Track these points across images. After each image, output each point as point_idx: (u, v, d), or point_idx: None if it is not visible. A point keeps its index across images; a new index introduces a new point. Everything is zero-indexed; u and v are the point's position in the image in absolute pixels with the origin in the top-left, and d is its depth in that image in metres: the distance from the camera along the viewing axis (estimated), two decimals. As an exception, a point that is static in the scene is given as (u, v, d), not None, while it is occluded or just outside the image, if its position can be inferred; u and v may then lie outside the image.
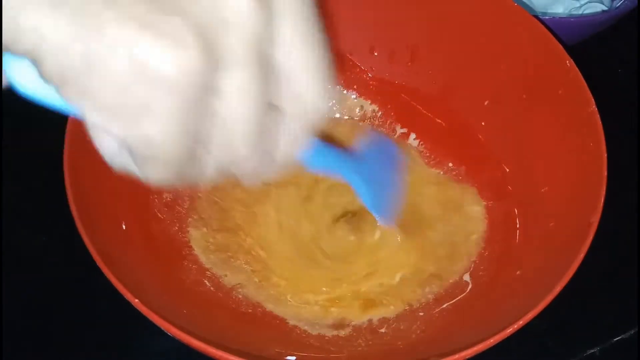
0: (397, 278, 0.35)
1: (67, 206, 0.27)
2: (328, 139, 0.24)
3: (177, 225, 0.35)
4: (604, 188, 0.29)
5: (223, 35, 0.16)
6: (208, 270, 0.34)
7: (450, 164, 0.40)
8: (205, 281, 0.34)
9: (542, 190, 0.33)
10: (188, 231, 0.35)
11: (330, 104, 0.20)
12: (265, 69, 0.17)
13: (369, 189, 0.29)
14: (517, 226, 0.34)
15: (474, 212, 0.38)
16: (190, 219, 0.36)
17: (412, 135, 0.41)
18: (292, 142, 0.20)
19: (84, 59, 0.14)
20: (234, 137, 0.18)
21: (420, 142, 0.41)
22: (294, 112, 0.19)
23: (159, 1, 0.15)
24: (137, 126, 0.16)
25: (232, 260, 0.35)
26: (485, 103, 0.38)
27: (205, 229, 0.36)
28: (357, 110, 0.42)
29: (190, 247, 0.35)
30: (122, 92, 0.15)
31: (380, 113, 0.42)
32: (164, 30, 0.15)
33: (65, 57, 0.15)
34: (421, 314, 0.34)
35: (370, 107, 0.42)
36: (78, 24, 0.14)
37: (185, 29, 0.15)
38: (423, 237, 0.37)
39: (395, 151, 0.34)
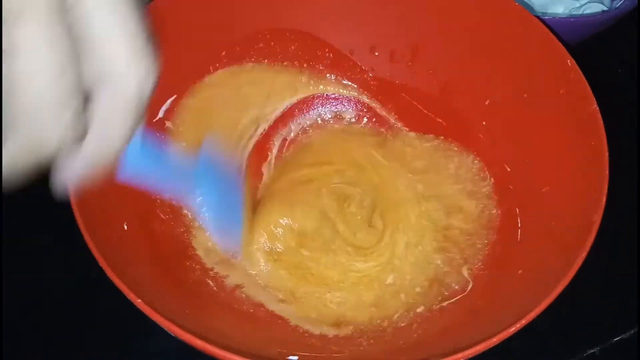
0: (398, 278, 0.35)
1: (68, 206, 0.27)
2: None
3: (180, 226, 0.35)
4: (606, 187, 0.28)
5: None
6: (211, 271, 0.34)
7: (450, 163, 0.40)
8: (208, 281, 0.34)
9: (544, 189, 0.33)
10: (191, 232, 0.35)
11: (152, 81, 0.18)
12: (67, 27, 0.16)
13: (208, 208, 0.26)
14: (519, 225, 0.34)
15: (473, 211, 0.38)
16: (194, 221, 0.36)
17: (412, 135, 0.41)
18: (110, 129, 0.18)
19: None
20: (33, 102, 0.16)
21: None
22: (109, 88, 0.17)
23: None
24: None
25: (235, 260, 0.35)
26: (486, 102, 0.38)
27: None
28: (357, 109, 0.42)
29: (193, 247, 0.35)
30: None
31: (380, 112, 0.42)
32: None
33: None
34: (423, 313, 0.34)
35: (370, 107, 0.42)
36: None
37: None
38: (423, 237, 0.37)
39: (231, 169, 0.31)
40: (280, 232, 0.35)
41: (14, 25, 0.15)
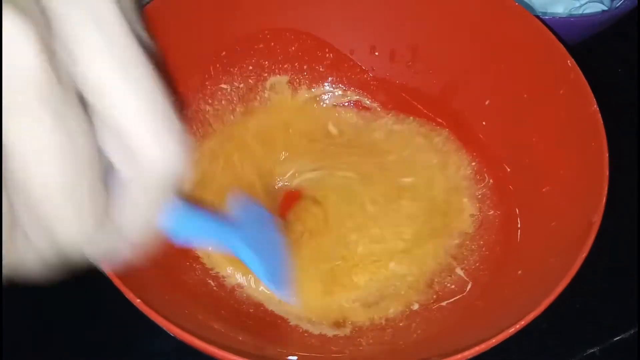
0: (398, 278, 0.35)
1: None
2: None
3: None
4: (606, 187, 0.28)
5: None
6: (211, 271, 0.34)
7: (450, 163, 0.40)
8: (208, 281, 0.34)
9: (544, 190, 0.33)
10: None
11: (183, 159, 0.15)
12: (74, 117, 0.13)
13: (257, 256, 0.26)
14: (519, 226, 0.34)
15: (472, 211, 0.38)
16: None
17: (412, 135, 0.41)
18: (141, 212, 0.16)
19: None
20: (44, 209, 0.14)
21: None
22: (133, 175, 0.15)
23: None
24: None
25: (235, 260, 0.35)
26: (486, 102, 0.38)
27: None
28: (357, 110, 0.42)
29: (193, 247, 0.35)
30: None
31: (380, 113, 0.42)
32: None
33: None
34: (422, 313, 0.34)
35: (371, 107, 0.42)
36: None
37: None
38: (422, 236, 0.37)
39: (267, 214, 0.31)
40: None
41: (9, 121, 0.13)
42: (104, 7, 0.14)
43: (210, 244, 0.25)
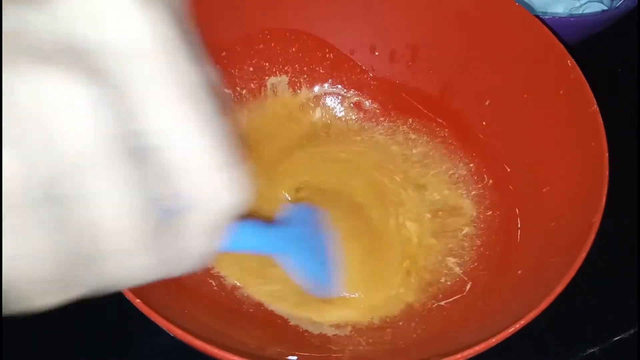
0: (398, 278, 0.35)
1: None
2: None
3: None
4: (606, 188, 0.28)
5: (62, 140, 0.13)
6: (210, 270, 0.34)
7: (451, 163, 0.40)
8: (208, 281, 0.34)
9: (544, 190, 0.33)
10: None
11: (244, 191, 0.16)
12: (142, 163, 0.14)
13: (307, 260, 0.27)
14: (518, 226, 0.34)
15: (472, 212, 0.38)
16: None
17: (412, 135, 0.41)
18: (202, 239, 0.16)
19: None
20: (121, 247, 0.15)
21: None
22: (197, 208, 0.16)
23: None
24: None
25: (235, 260, 0.35)
26: (486, 103, 0.38)
27: None
28: (357, 109, 0.42)
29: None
30: None
31: (380, 113, 0.42)
32: None
33: None
34: (422, 313, 0.34)
35: (371, 107, 0.42)
36: None
37: (11, 148, 0.12)
38: (420, 234, 0.37)
39: (316, 213, 0.32)
40: None
41: (81, 176, 0.13)
42: (164, 68, 0.15)
43: (258, 251, 0.26)
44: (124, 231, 0.14)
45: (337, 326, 0.33)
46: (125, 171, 0.14)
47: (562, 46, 0.33)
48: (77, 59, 0.13)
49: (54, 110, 0.13)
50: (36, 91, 0.13)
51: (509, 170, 0.37)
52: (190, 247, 0.17)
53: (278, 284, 0.35)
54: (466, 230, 0.37)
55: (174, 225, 0.16)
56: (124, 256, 0.15)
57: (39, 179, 0.13)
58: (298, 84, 0.42)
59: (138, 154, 0.14)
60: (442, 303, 0.34)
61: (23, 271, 0.14)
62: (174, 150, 0.15)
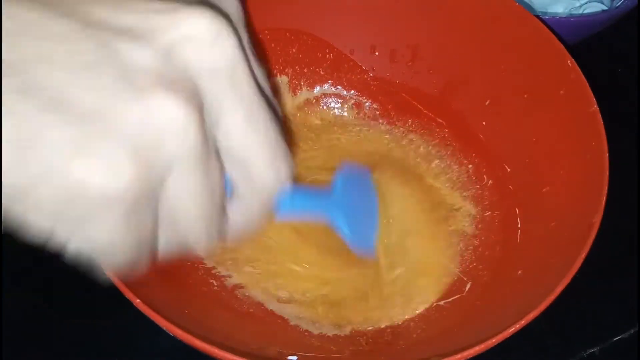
0: (396, 278, 0.35)
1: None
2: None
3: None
4: (606, 188, 0.28)
5: (160, 147, 0.16)
6: (211, 270, 0.34)
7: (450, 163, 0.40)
8: (209, 281, 0.34)
9: (544, 190, 0.33)
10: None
11: (290, 177, 0.21)
12: (213, 164, 0.18)
13: (349, 221, 0.29)
14: (519, 226, 0.34)
15: (472, 212, 0.38)
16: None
17: (412, 135, 0.41)
18: (253, 215, 0.21)
19: (29, 180, 0.15)
20: (188, 231, 0.19)
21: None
22: (252, 193, 0.20)
23: (92, 123, 0.15)
24: (81, 231, 0.17)
25: (236, 260, 0.35)
26: (486, 103, 0.38)
27: None
28: (358, 109, 0.42)
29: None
30: (65, 205, 0.16)
31: (380, 112, 0.42)
32: (99, 153, 0.15)
33: (11, 178, 0.15)
34: (421, 313, 0.34)
35: (371, 107, 0.42)
36: (21, 147, 0.15)
37: (120, 151, 0.16)
38: (420, 234, 0.37)
39: (366, 176, 0.34)
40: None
41: (159, 180, 0.17)
42: (241, 79, 0.19)
43: (307, 215, 0.29)
44: (193, 219, 0.19)
45: (338, 326, 0.33)
46: (201, 173, 0.18)
47: (562, 46, 0.33)
48: (181, 83, 0.17)
49: (160, 127, 0.16)
50: (146, 112, 0.16)
51: (509, 170, 0.37)
52: (245, 217, 0.21)
53: (278, 283, 0.35)
54: (466, 230, 0.37)
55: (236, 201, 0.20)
56: (185, 235, 0.19)
57: (142, 187, 0.16)
58: (298, 85, 0.42)
59: (211, 156, 0.18)
60: (442, 303, 0.34)
61: (102, 244, 0.17)
62: (240, 144, 0.19)
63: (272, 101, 0.21)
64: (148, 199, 0.17)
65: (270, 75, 0.41)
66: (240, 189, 0.20)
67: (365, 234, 0.32)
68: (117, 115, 0.16)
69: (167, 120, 0.16)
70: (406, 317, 0.34)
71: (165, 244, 0.19)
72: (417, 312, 0.34)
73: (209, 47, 0.17)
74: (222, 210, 0.20)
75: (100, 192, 0.15)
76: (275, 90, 0.20)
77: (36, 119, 0.15)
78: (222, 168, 0.19)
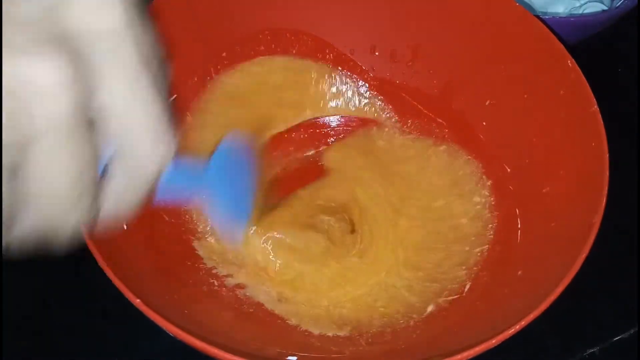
0: (396, 278, 0.35)
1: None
2: None
3: (182, 225, 0.35)
4: (606, 188, 0.28)
5: (26, 111, 0.15)
6: (212, 270, 0.34)
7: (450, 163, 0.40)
8: (209, 281, 0.34)
9: (544, 190, 0.33)
10: (193, 232, 0.35)
11: (170, 158, 0.20)
12: (86, 137, 0.17)
13: (220, 204, 0.28)
14: (519, 226, 0.34)
15: (472, 212, 0.38)
16: (196, 223, 0.36)
17: (412, 135, 0.41)
18: (124, 201, 0.20)
19: None
20: (53, 209, 0.17)
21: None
22: (129, 172, 0.19)
23: None
24: None
25: (236, 260, 0.35)
26: (487, 103, 0.38)
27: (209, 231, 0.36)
28: (358, 109, 0.42)
29: (194, 247, 0.35)
30: None
31: (380, 112, 0.42)
32: None
33: None
34: (422, 314, 0.34)
35: (370, 106, 0.42)
36: None
37: None
38: (421, 235, 0.37)
39: (246, 151, 0.32)
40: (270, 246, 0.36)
41: (31, 145, 0.16)
42: (126, 47, 0.17)
43: (182, 198, 0.28)
44: (65, 186, 0.17)
45: (338, 326, 0.33)
46: (78, 139, 0.16)
47: (562, 46, 0.33)
48: (59, 43, 0.16)
49: (34, 88, 0.15)
50: (21, 73, 0.15)
51: (509, 170, 0.37)
52: (119, 198, 0.20)
53: (280, 286, 0.35)
54: (466, 230, 0.37)
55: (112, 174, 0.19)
56: (56, 207, 0.17)
57: (14, 141, 0.15)
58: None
59: (91, 122, 0.17)
60: (442, 303, 0.34)
61: None
62: (119, 116, 0.18)
63: (161, 80, 0.19)
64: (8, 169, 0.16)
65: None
66: (115, 167, 0.19)
67: (238, 216, 0.30)
68: None
69: (37, 81, 0.15)
70: (406, 317, 0.34)
71: (30, 222, 0.18)
72: (420, 314, 0.34)
73: (96, 8, 0.16)
74: (94, 189, 0.18)
75: None
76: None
77: None
78: (95, 143, 0.18)
